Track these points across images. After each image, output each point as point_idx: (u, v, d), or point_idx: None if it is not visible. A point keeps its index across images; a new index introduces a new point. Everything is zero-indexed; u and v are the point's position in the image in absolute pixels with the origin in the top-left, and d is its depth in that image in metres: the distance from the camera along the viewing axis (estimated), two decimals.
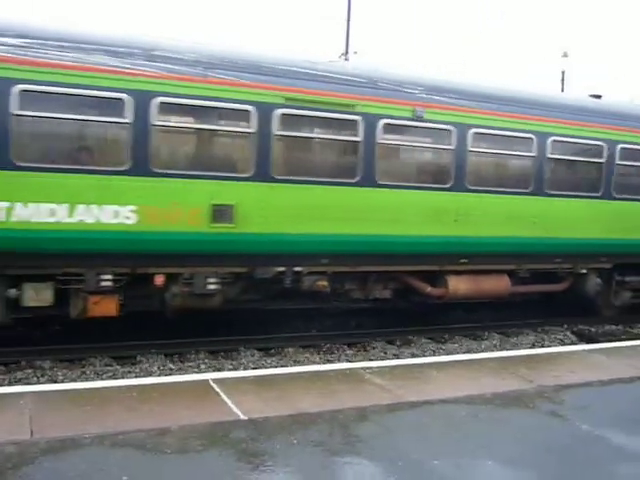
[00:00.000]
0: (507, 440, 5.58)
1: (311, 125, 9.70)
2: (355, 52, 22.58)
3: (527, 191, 11.05)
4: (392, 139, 10.06)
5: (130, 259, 8.62)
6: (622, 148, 11.92)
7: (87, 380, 8.00)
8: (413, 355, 10.04)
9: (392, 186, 9.94)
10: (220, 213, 8.79)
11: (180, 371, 8.71)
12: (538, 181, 11.12)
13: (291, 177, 9.28)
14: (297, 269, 9.61)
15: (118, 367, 8.81)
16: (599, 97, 13.01)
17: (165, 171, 8.55)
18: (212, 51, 9.09)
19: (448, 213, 10.38)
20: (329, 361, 9.51)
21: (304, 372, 7.34)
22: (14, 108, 7.76)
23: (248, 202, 8.97)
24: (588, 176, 11.89)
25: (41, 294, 8.32)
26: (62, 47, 8.03)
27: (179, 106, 8.68)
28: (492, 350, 10.51)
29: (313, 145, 9.96)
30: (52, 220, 8.00)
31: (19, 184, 7.85)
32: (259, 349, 9.93)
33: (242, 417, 5.65)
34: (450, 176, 10.36)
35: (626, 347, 9.46)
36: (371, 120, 9.66)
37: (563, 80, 38.99)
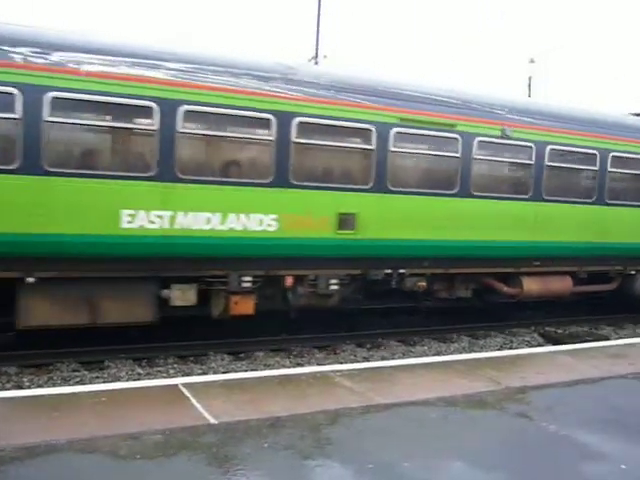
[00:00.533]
0: (476, 441, 5.64)
1: (419, 142, 10.73)
2: (325, 56, 22.64)
3: (591, 201, 12.31)
4: (485, 155, 11.14)
5: (267, 262, 9.57)
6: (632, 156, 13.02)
7: (54, 386, 7.90)
8: (383, 358, 10.09)
9: (483, 197, 11.06)
10: (344, 221, 9.83)
11: (149, 376, 8.65)
12: (600, 192, 12.40)
13: (402, 188, 10.31)
14: (401, 271, 10.61)
15: (86, 372, 8.71)
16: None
17: (301, 183, 9.49)
18: (340, 75, 10.16)
19: (527, 220, 11.58)
20: (299, 364, 9.52)
21: (274, 376, 7.33)
22: (179, 127, 8.62)
23: (367, 211, 9.98)
24: (637, 186, 13.23)
25: (186, 295, 9.15)
26: (217, 71, 8.95)
27: (315, 125, 9.61)
28: (461, 352, 10.61)
29: (420, 160, 11.12)
30: (207, 227, 8.88)
31: (181, 195, 8.69)
32: (229, 353, 9.90)
33: (212, 421, 5.63)
34: (529, 187, 11.57)
35: (591, 348, 9.63)
36: (468, 138, 10.80)
37: (530, 85, 39.57)
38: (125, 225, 8.44)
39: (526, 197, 11.52)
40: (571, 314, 13.89)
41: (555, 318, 13.54)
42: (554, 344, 11.08)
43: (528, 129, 11.47)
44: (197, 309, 9.48)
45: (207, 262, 9.17)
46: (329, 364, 9.18)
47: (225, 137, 9.39)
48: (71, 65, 8.06)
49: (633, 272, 13.34)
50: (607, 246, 12.62)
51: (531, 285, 11.94)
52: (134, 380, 8.24)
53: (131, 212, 8.46)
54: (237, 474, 4.64)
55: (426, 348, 11.06)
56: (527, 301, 12.78)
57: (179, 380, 7.11)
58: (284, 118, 9.27)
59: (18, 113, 7.79)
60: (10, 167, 7.82)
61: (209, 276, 9.29)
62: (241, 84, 9.04)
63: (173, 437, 5.21)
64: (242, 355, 9.94)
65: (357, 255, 10.13)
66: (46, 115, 7.93)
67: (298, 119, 9.36)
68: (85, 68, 8.10)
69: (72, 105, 8.20)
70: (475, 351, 10.60)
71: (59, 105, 8.03)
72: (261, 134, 9.34)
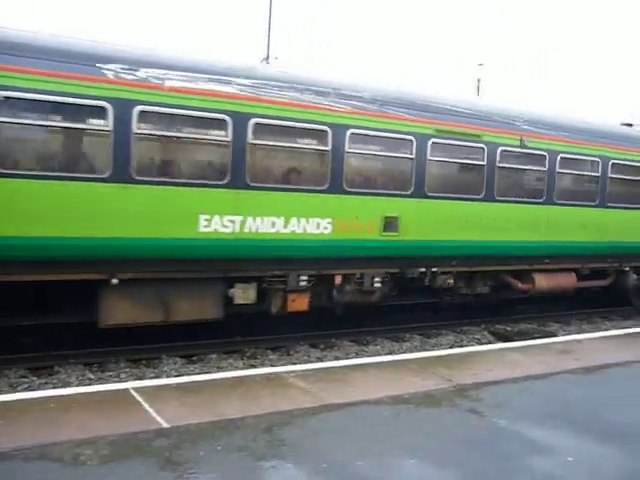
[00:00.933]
0: (429, 438, 5.71)
1: (451, 151, 11.62)
2: (276, 57, 22.64)
3: (594, 204, 13.63)
4: (506, 163, 12.20)
5: (320, 262, 10.40)
6: (626, 163, 14.41)
7: (1, 393, 7.70)
8: (336, 358, 10.13)
9: (505, 201, 12.18)
10: (389, 224, 10.76)
11: (100, 381, 8.51)
12: (601, 196, 13.72)
13: (437, 194, 11.29)
14: (434, 269, 11.59)
15: (34, 378, 8.51)
16: (631, 125, 15.99)
17: (353, 190, 10.36)
18: (382, 89, 11.05)
19: (540, 222, 12.76)
20: (253, 366, 9.48)
21: (227, 378, 7.29)
22: (249, 138, 9.39)
23: (408, 214, 10.94)
24: (636, 191, 14.66)
25: (248, 293, 9.93)
26: (282, 87, 9.77)
27: (364, 137, 10.51)
28: (413, 351, 10.71)
29: (452, 167, 12.06)
30: (273, 231, 9.69)
31: (250, 201, 9.47)
32: (181, 356, 9.80)
33: (164, 425, 5.57)
34: (543, 192, 12.79)
35: (539, 345, 9.84)
36: (492, 147, 11.91)
37: (478, 88, 40.22)
38: (202, 229, 9.15)
39: (540, 201, 12.76)
40: (520, 312, 14.18)
41: (504, 316, 13.79)
42: (504, 341, 11.29)
43: (542, 139, 12.66)
44: (257, 307, 10.30)
45: (270, 263, 9.98)
46: (283, 365, 9.18)
47: (289, 147, 10.19)
48: (155, 81, 8.77)
49: (627, 268, 14.73)
50: (606, 245, 13.98)
51: (542, 281, 13.09)
52: (84, 385, 8.10)
53: (207, 217, 9.19)
54: (190, 478, 4.61)
55: (379, 347, 11.16)
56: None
57: (130, 384, 7.02)
58: (338, 130, 10.16)
59: (110, 126, 8.42)
60: (102, 176, 8.44)
61: (269, 276, 10.07)
62: (303, 99, 9.94)
63: (124, 442, 5.15)
64: (195, 358, 9.86)
65: (398, 255, 11.12)
66: (134, 127, 8.59)
67: (350, 131, 10.26)
68: (168, 84, 8.84)
69: (156, 118, 8.92)
70: (427, 350, 10.72)
71: (145, 118, 8.75)
72: (318, 144, 10.25)
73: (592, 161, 13.55)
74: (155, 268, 9.09)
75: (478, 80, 39.95)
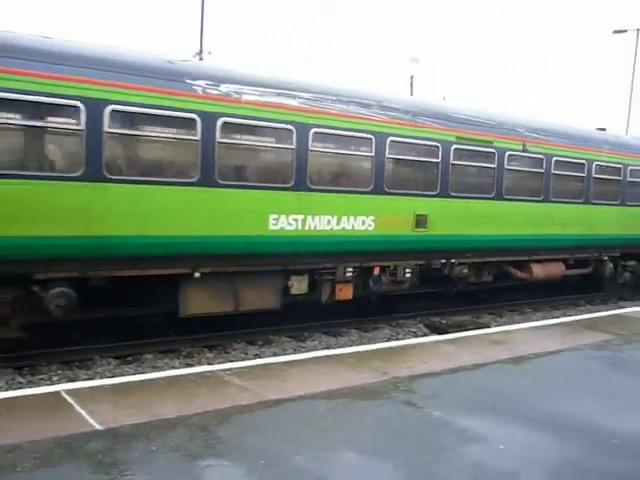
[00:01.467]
0: (365, 431, 5.78)
1: (468, 156, 13.04)
2: (209, 52, 22.42)
3: (581, 201, 15.45)
4: (513, 165, 13.79)
5: (363, 256, 11.71)
6: (632, 169, 16.68)
7: None
8: (274, 354, 10.12)
9: (511, 199, 13.77)
10: (419, 220, 12.16)
11: (31, 384, 8.26)
12: (587, 193, 15.60)
13: (458, 193, 12.75)
14: (452, 261, 13.02)
15: None
16: (604, 129, 17.72)
17: (391, 190, 11.71)
18: (414, 102, 12.79)
19: (539, 218, 14.45)
20: (189, 365, 9.38)
21: (163, 377, 7.19)
22: (310, 145, 10.61)
23: (434, 212, 12.36)
24: (613, 189, 16.45)
25: (301, 285, 11.14)
26: (334, 100, 11.02)
27: (401, 143, 11.86)
28: (350, 345, 10.78)
29: (470, 169, 13.41)
30: (327, 228, 10.94)
31: (310, 202, 10.65)
32: (115, 357, 9.63)
33: (98, 427, 5.47)
34: (541, 191, 14.43)
35: (472, 336, 10.07)
36: (501, 152, 13.46)
37: (412, 85, 40.63)
38: (271, 227, 10.31)
39: (539, 199, 14.43)
40: (454, 304, 14.46)
41: (439, 309, 14.05)
42: (438, 334, 11.50)
43: (541, 144, 14.35)
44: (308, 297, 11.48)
45: (323, 256, 11.21)
46: (219, 363, 9.12)
47: (341, 154, 11.48)
48: (235, 95, 9.87)
49: (605, 258, 16.60)
50: (590, 237, 15.82)
51: (538, 271, 14.75)
52: (14, 389, 7.86)
53: (275, 216, 10.34)
54: None
55: (317, 343, 11.21)
56: (416, 292, 13.30)
57: (62, 387, 6.86)
58: (380, 138, 11.46)
59: (198, 135, 9.49)
60: (191, 180, 9.50)
61: (321, 268, 11.28)
62: (350, 110, 11.20)
63: (56, 446, 5.03)
64: (130, 358, 9.69)
65: (426, 248, 12.56)
66: (218, 137, 9.65)
67: (390, 138, 11.60)
68: (244, 97, 9.95)
69: (235, 128, 10.05)
70: (364, 343, 10.81)
71: (226, 129, 9.80)
72: (365, 151, 11.52)
73: (579, 163, 15.34)
74: (230, 263, 10.22)
75: (411, 77, 40.40)
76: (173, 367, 9.22)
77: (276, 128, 10.37)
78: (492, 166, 13.34)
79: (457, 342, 9.50)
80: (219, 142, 9.69)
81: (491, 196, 13.42)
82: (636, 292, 17.89)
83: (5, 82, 7.94)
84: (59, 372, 8.88)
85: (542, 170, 14.41)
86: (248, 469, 4.85)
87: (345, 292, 11.72)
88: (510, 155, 13.63)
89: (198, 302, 10.10)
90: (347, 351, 8.91)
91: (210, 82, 9.71)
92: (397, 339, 11.41)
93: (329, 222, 10.98)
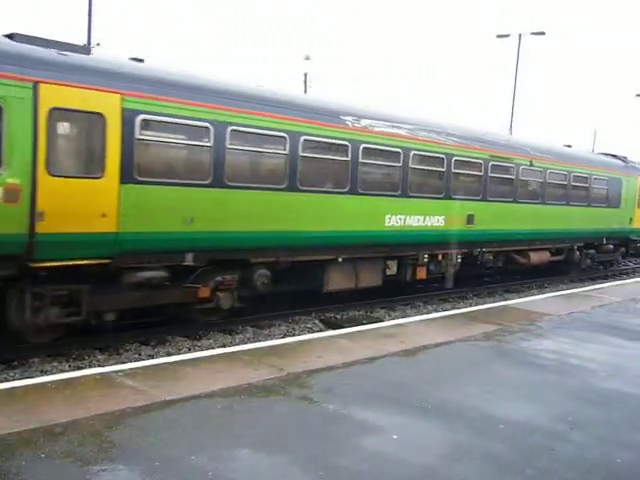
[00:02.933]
0: (262, 428, 5.78)
1: (498, 170, 17.25)
2: (98, 44, 21.72)
3: (564, 203, 20.14)
4: (524, 176, 18.32)
5: (434, 245, 15.36)
6: (595, 178, 21.76)
7: None
8: (168, 354, 9.94)
9: (523, 202, 18.20)
10: (469, 218, 16.10)
11: None
12: (568, 197, 20.30)
13: (493, 198, 16.97)
14: (484, 249, 16.99)
15: None
16: (570, 146, 23.09)
17: (455, 196, 15.60)
18: (467, 129, 17.02)
19: (538, 216, 18.85)
20: (80, 368, 9.06)
21: (51, 381, 6.89)
22: (410, 163, 14.34)
23: (478, 212, 16.36)
24: (583, 194, 21.31)
25: (393, 268, 14.80)
26: (423, 129, 14.97)
27: (461, 162, 15.79)
28: (246, 343, 10.75)
29: (499, 179, 17.40)
30: (417, 224, 14.66)
31: (409, 205, 14.41)
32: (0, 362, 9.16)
33: None
34: (540, 195, 19.01)
35: (366, 330, 10.25)
36: (517, 166, 17.92)
37: (305, 82, 40.92)
38: (386, 224, 13.95)
39: (538, 202, 18.92)
40: (348, 300, 14.69)
41: (334, 304, 14.24)
42: (334, 329, 11.64)
43: (540, 160, 18.94)
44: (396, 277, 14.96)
45: (410, 246, 14.78)
46: (112, 365, 8.86)
47: (426, 170, 15.09)
48: (370, 127, 13.54)
49: (575, 247, 21.37)
50: (567, 232, 20.49)
51: (534, 257, 19.09)
52: None
53: (389, 216, 14.00)
54: None
55: (212, 341, 11.09)
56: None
57: None
58: (449, 157, 15.41)
59: (348, 157, 13.01)
60: (344, 190, 13.03)
61: (406, 255, 14.88)
62: (433, 137, 15.17)
63: None
64: (16, 363, 9.25)
65: (471, 240, 16.36)
66: (361, 158, 13.21)
67: (454, 158, 15.54)
68: (374, 129, 13.67)
69: (370, 152, 13.53)
70: (260, 341, 10.80)
71: (366, 153, 13.36)
72: (439, 167, 15.29)
73: (564, 174, 20.11)
74: (359, 251, 13.66)
75: (305, 75, 40.69)
76: (62, 370, 8.86)
77: (390, 151, 14.02)
78: (512, 177, 17.80)
79: (352, 336, 9.66)
80: (361, 162, 13.21)
81: (511, 200, 17.74)
82: (591, 272, 23.40)
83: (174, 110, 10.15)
84: None
85: (542, 180, 19.02)
86: (143, 471, 4.75)
87: (422, 273, 15.39)
88: (523, 169, 18.10)
89: (335, 280, 13.44)
90: (243, 348, 8.88)
91: (354, 118, 13.26)
92: (293, 335, 11.47)
93: (418, 220, 14.70)
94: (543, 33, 34.72)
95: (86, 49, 10.36)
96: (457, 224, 15.63)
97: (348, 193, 13.01)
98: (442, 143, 15.26)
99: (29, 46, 8.95)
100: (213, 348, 10.18)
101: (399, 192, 14.16)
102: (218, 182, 10.69)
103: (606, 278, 22.61)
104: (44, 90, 8.68)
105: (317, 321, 13.03)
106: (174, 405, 6.17)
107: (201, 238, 10.64)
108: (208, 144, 10.57)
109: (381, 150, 13.78)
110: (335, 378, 7.42)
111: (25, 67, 8.60)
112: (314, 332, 11.75)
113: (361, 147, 13.14)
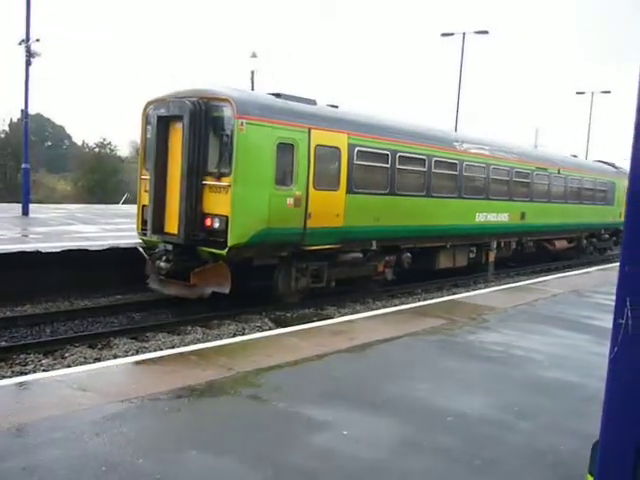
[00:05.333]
0: (210, 428, 5.73)
1: (540, 178, 22.88)
2: (37, 39, 21.19)
3: (578, 202, 25.69)
4: (554, 182, 23.91)
5: (502, 235, 20.64)
6: (598, 181, 27.78)
7: None
8: (115, 357, 9.77)
9: (554, 202, 23.74)
10: (522, 215, 21.50)
11: None
12: (580, 197, 25.98)
13: (537, 199, 22.53)
14: (529, 238, 22.73)
15: None
16: (576, 156, 30.34)
17: (515, 198, 21.12)
18: (523, 148, 23.85)
19: (562, 212, 24.29)
20: (23, 373, 8.81)
21: None
22: (491, 175, 19.80)
23: (528, 210, 21.79)
24: (589, 194, 27.03)
25: (474, 252, 19.58)
26: (500, 150, 20.75)
27: (518, 172, 21.37)
28: (196, 343, 10.63)
29: (540, 185, 23.05)
30: (492, 220, 19.86)
31: (489, 205, 19.58)
32: None
33: None
34: (563, 196, 24.71)
35: (315, 328, 10.25)
36: (550, 174, 23.52)
37: (253, 79, 40.67)
38: (476, 220, 19.11)
39: (563, 201, 24.50)
40: (300, 299, 14.67)
41: (283, 302, 14.19)
42: (283, 327, 11.61)
43: (565, 169, 24.62)
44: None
45: (486, 236, 19.78)
46: (57, 369, 8.66)
47: (499, 179, 20.35)
48: (468, 149, 18.67)
49: (583, 237, 27.10)
50: (579, 224, 25.96)
51: (558, 245, 24.88)
52: None
53: (478, 213, 19.19)
54: None
55: (160, 342, 10.94)
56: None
57: None
58: (512, 169, 20.91)
59: (457, 172, 18.22)
60: (453, 195, 18.13)
61: (482, 243, 19.86)
62: (502, 155, 20.66)
63: None
64: None
65: (523, 231, 22.02)
66: (464, 172, 18.41)
67: (515, 169, 21.10)
68: (470, 150, 18.77)
69: (468, 167, 18.62)
70: (209, 341, 10.70)
71: (466, 168, 18.49)
72: (506, 176, 20.77)
73: (579, 179, 26.01)
74: (458, 240, 18.44)
75: (252, 72, 40.50)
76: (4, 376, 8.62)
77: (479, 166, 19.25)
78: (547, 182, 23.35)
79: (301, 334, 9.63)
80: (464, 175, 18.39)
81: (547, 200, 23.26)
82: (594, 257, 28.59)
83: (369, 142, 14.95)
84: None
85: (564, 185, 24.62)
86: (90, 478, 4.64)
87: (492, 256, 20.37)
88: (553, 176, 23.69)
89: (443, 261, 18.14)
90: (191, 349, 8.76)
91: (459, 142, 18.62)
92: (243, 334, 11.40)
93: (494, 217, 19.88)
94: (486, 32, 35.23)
95: (313, 101, 14.26)
96: (515, 219, 21.14)
97: (457, 197, 18.24)
98: (508, 159, 20.80)
99: (299, 103, 13.57)
100: (162, 349, 10.06)
101: (484, 196, 19.45)
102: (391, 191, 15.57)
103: (549, 271, 23.14)
104: (314, 134, 13.21)
105: (267, 320, 12.97)
106: (121, 408, 6.05)
107: (382, 230, 15.32)
108: (387, 165, 15.43)
109: (474, 166, 18.96)
110: (285, 376, 7.40)
111: (303, 119, 13.13)
112: (264, 331, 11.69)
113: (464, 164, 18.34)
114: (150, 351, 9.98)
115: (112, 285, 14.34)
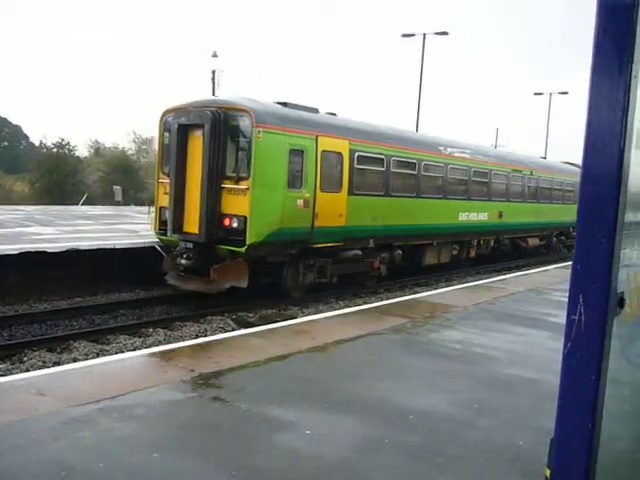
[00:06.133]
0: (172, 431, 5.69)
1: (518, 179, 24.98)
2: None
3: (548, 202, 27.36)
4: (528, 182, 25.74)
5: (481, 233, 22.38)
6: (566, 182, 29.18)
7: None
8: (75, 360, 9.63)
9: (528, 202, 25.74)
10: (500, 214, 23.02)
11: None
12: (550, 197, 27.72)
13: (514, 199, 24.25)
14: (505, 236, 24.21)
15: None
16: (545, 158, 33.19)
17: (493, 198, 22.66)
18: (498, 153, 27.03)
19: (536, 211, 25.99)
20: None
21: None
22: (472, 177, 21.43)
23: (505, 209, 23.33)
24: (559, 194, 28.70)
25: (456, 249, 21.22)
26: (473, 153, 22.18)
27: (496, 174, 23.03)
28: (158, 345, 10.54)
29: (518, 186, 25.12)
30: (473, 219, 21.35)
31: (470, 205, 21.07)
32: None
33: None
34: (535, 196, 26.39)
35: (279, 328, 10.22)
36: (524, 175, 25.39)
37: (214, 79, 40.45)
38: (459, 219, 20.57)
39: (535, 201, 26.14)
40: (260, 298, 14.67)
41: (246, 303, 14.18)
42: (246, 328, 11.57)
43: (537, 171, 26.47)
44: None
45: (467, 234, 21.28)
46: (15, 374, 8.50)
47: (480, 180, 22.07)
48: (452, 153, 20.43)
49: (552, 234, 28.82)
50: (550, 223, 27.59)
51: (530, 242, 26.34)
52: None
53: (460, 213, 20.60)
54: None
55: (122, 345, 10.82)
56: (221, 291, 13.39)
57: None
58: (490, 171, 22.49)
59: (442, 174, 19.70)
60: (439, 196, 19.61)
61: (465, 240, 21.44)
62: (482, 158, 22.41)
63: None
64: None
65: (500, 229, 23.42)
66: (449, 175, 20.04)
67: (493, 172, 22.71)
68: (455, 154, 20.60)
69: (453, 171, 20.26)
70: (171, 342, 10.62)
71: (451, 171, 20.07)
72: (485, 178, 22.31)
73: (551, 180, 27.87)
74: (443, 238, 19.78)
75: (213, 72, 40.27)
76: None
77: (462, 169, 20.74)
78: (521, 183, 25.07)
79: (264, 335, 9.61)
80: (449, 178, 19.97)
81: (523, 200, 25.02)
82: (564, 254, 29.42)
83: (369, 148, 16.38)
84: None
85: (537, 185, 26.37)
86: None
87: (473, 253, 22.02)
88: (527, 177, 25.49)
89: (428, 258, 19.37)
90: (153, 350, 8.66)
91: (443, 147, 20.06)
92: (205, 335, 11.34)
93: (474, 216, 21.25)
94: (446, 33, 35.58)
95: (316, 109, 15.49)
96: (494, 218, 22.62)
97: (443, 198, 19.63)
98: (487, 162, 22.41)
99: (306, 112, 14.82)
100: (123, 352, 9.96)
101: (466, 196, 20.85)
102: (387, 193, 16.95)
103: (509, 270, 23.49)
104: (320, 141, 14.47)
105: (229, 320, 12.93)
106: (81, 412, 5.97)
107: (378, 229, 16.54)
108: (383, 169, 16.79)
109: (458, 169, 20.45)
110: (247, 377, 7.37)
111: (310, 127, 14.33)
112: (227, 332, 11.65)
113: (449, 167, 19.86)
114: (111, 354, 9.87)
115: (72, 287, 14.15)
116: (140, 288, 15.32)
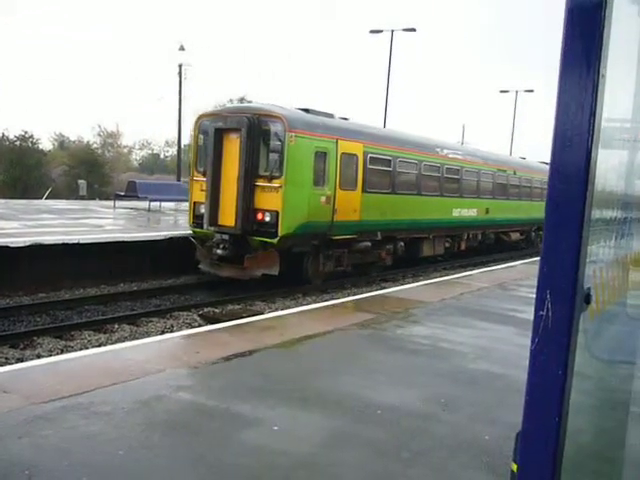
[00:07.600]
0: (138, 428, 5.62)
1: (498, 177, 26.56)
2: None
3: (529, 199, 29.35)
4: (515, 181, 28.22)
5: (470, 228, 24.34)
6: (544, 181, 27.56)
7: None
8: (38, 356, 9.49)
9: (510, 199, 27.59)
10: (487, 210, 25.10)
11: None
12: (530, 195, 29.66)
13: (500, 196, 26.55)
14: (491, 230, 26.65)
15: None
16: (524, 158, 33.14)
17: (481, 196, 24.85)
18: (484, 154, 26.88)
19: (517, 208, 28.01)
20: None
21: None
22: (463, 176, 23.50)
23: (491, 206, 25.48)
24: (537, 192, 30.11)
25: (449, 242, 23.15)
26: (464, 154, 24.65)
27: (484, 173, 25.28)
28: (123, 342, 10.43)
29: (506, 185, 27.53)
30: (465, 215, 23.51)
31: (462, 201, 23.30)
32: None
33: None
34: (518, 194, 28.39)
35: (246, 324, 10.18)
36: (507, 174, 27.49)
37: (180, 73, 40.07)
38: (453, 214, 22.51)
39: (516, 198, 28.07)
40: (227, 294, 14.62)
41: (213, 298, 14.11)
42: (213, 323, 11.51)
43: (519, 170, 28.70)
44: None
45: (459, 228, 23.40)
46: None
47: (470, 179, 24.08)
48: (446, 154, 22.49)
49: (532, 229, 30.70)
50: (529, 219, 29.08)
51: (512, 235, 28.48)
52: None
53: (454, 209, 22.57)
54: None
55: (86, 341, 10.69)
56: (189, 283, 13.27)
57: None
58: (479, 171, 24.66)
59: (440, 174, 21.86)
60: (436, 193, 21.59)
61: (457, 234, 23.34)
62: (471, 158, 24.51)
63: None
64: None
65: (487, 224, 25.56)
66: (444, 174, 21.88)
67: (481, 171, 24.84)
68: (449, 155, 22.82)
69: (448, 170, 22.27)
70: (137, 338, 10.51)
71: (446, 170, 22.11)
72: (474, 177, 24.49)
73: (529, 179, 29.70)
74: (439, 232, 21.61)
75: (180, 65, 39.94)
76: None
77: (455, 169, 22.54)
78: (505, 182, 26.95)
79: (231, 330, 9.57)
80: (445, 177, 21.80)
81: (505, 197, 26.83)
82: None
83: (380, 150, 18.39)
84: None
85: (519, 183, 28.46)
86: None
87: (463, 245, 23.89)
88: (510, 176, 27.42)
89: (425, 250, 21.11)
90: (116, 347, 8.59)
91: (439, 148, 21.99)
92: (172, 331, 11.25)
93: (465, 212, 23.13)
94: (414, 30, 35.79)
95: (332, 115, 17.25)
96: (482, 214, 24.62)
97: (439, 195, 21.58)
98: (476, 162, 24.38)
99: (327, 118, 16.72)
100: (87, 348, 9.83)
101: (458, 194, 22.83)
102: (393, 190, 18.84)
103: (475, 266, 23.74)
104: (340, 144, 16.30)
105: (196, 316, 12.86)
106: (43, 409, 5.87)
107: (385, 223, 18.32)
108: (390, 169, 18.69)
109: (452, 168, 22.29)
110: (214, 373, 7.33)
111: (331, 131, 16.19)
112: (193, 327, 11.58)
113: (444, 167, 21.77)
114: (75, 350, 9.76)
115: (35, 283, 13.93)
116: (106, 284, 15.15)
